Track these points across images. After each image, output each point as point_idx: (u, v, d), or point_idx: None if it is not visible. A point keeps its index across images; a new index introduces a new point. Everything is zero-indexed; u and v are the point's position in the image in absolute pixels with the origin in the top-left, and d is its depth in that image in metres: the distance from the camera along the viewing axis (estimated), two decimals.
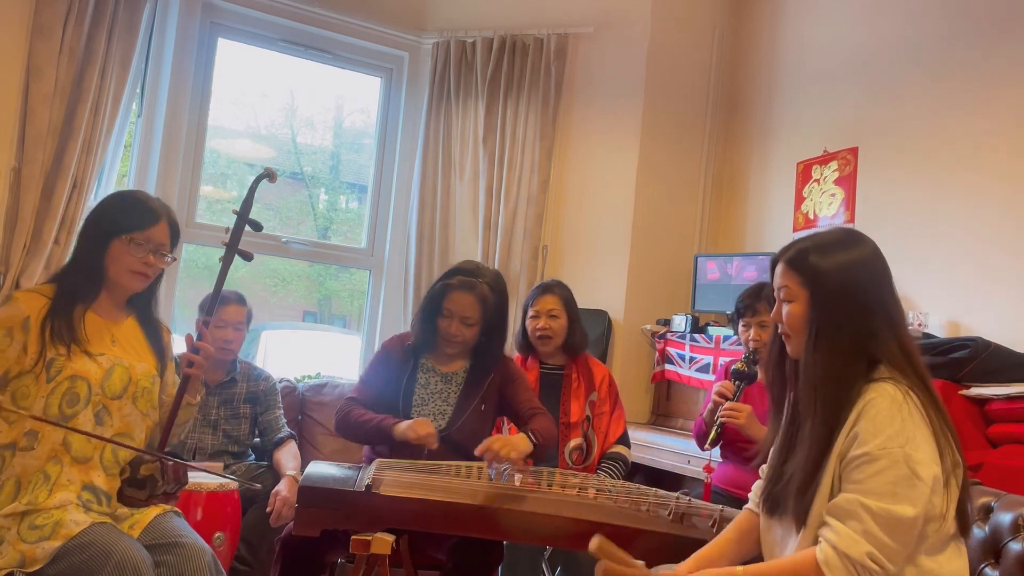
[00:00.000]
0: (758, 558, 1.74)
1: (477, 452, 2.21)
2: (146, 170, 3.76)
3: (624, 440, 3.00)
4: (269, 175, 2.15)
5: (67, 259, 2.11)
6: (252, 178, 2.17)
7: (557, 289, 3.06)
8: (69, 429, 1.91)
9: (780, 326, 1.65)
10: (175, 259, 2.12)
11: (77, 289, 2.01)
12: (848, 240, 1.61)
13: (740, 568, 1.50)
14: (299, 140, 5.13)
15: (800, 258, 1.60)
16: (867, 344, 1.53)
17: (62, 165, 3.28)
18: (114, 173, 3.55)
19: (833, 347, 1.53)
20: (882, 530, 1.41)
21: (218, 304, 3.02)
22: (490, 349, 2.57)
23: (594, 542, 1.57)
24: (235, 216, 2.12)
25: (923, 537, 1.47)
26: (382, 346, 2.68)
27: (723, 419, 2.55)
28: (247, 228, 2.14)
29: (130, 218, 2.02)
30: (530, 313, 3.05)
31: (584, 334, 3.08)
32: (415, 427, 2.32)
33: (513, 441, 2.26)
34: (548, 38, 4.16)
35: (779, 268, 1.65)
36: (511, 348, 4.01)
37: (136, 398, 2.03)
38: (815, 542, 1.48)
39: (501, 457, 2.19)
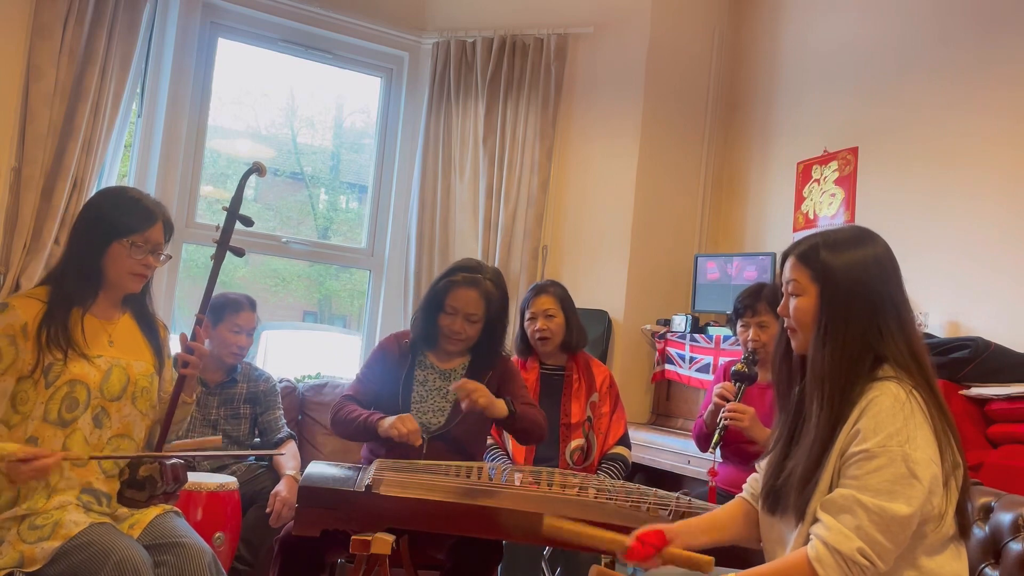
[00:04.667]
0: (747, 548, 1.74)
1: (452, 388, 2.39)
2: (146, 170, 3.76)
3: (624, 441, 2.99)
4: (258, 169, 2.14)
5: (61, 260, 2.08)
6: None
7: (551, 288, 3.04)
8: (104, 458, 1.94)
9: (786, 320, 1.66)
10: (169, 256, 2.12)
11: (73, 292, 1.99)
12: (860, 237, 1.62)
13: (733, 573, 1.50)
14: (299, 140, 5.12)
15: (811, 253, 1.60)
16: (874, 342, 1.53)
17: (62, 165, 3.28)
18: (114, 173, 3.55)
19: (841, 343, 1.54)
20: (875, 527, 1.42)
21: (233, 310, 3.05)
22: (491, 346, 2.57)
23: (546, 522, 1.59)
24: (225, 213, 2.11)
25: (921, 537, 1.48)
26: (379, 344, 2.67)
27: (727, 421, 2.52)
28: (242, 226, 2.14)
29: (129, 220, 2.00)
30: (527, 315, 3.03)
31: (582, 331, 3.06)
32: (397, 424, 2.31)
33: (490, 396, 2.38)
34: (548, 38, 4.15)
35: (789, 262, 1.65)
36: (510, 350, 4.03)
37: (135, 398, 2.03)
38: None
39: (468, 392, 2.32)
